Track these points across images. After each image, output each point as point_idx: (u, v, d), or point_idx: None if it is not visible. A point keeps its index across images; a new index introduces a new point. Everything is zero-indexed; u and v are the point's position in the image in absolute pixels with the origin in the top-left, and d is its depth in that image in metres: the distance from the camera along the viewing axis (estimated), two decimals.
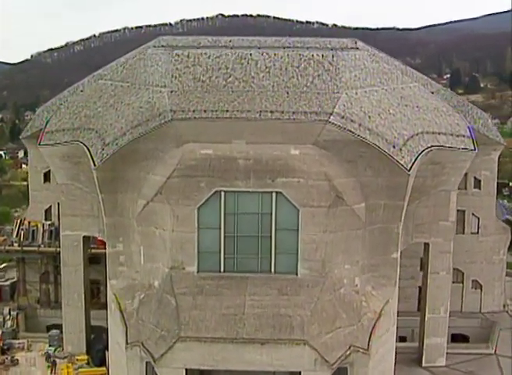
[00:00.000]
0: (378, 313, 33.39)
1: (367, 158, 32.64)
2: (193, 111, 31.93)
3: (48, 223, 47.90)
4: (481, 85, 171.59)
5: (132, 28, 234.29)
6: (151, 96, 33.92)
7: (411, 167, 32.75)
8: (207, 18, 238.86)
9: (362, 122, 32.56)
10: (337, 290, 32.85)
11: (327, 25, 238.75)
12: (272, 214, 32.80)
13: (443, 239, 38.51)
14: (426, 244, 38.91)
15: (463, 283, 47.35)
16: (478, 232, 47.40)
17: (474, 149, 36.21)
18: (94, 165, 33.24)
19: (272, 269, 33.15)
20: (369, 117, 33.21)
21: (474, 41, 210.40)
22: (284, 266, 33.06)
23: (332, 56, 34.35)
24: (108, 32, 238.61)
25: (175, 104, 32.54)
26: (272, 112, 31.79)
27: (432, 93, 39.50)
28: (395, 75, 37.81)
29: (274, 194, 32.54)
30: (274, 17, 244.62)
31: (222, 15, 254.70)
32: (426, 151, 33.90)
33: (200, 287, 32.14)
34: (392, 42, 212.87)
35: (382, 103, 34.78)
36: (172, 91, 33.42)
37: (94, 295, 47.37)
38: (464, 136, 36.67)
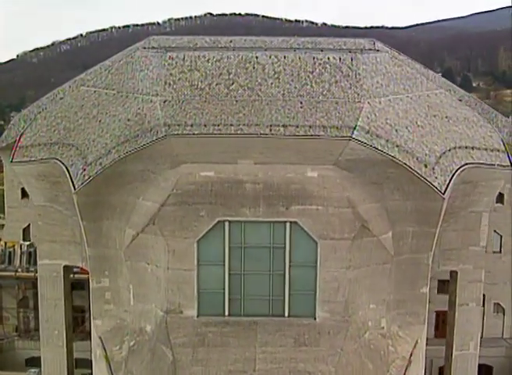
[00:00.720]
0: (408, 359, 28.26)
1: (395, 179, 27.41)
2: (191, 125, 26.53)
3: (27, 243, 42.47)
4: (474, 84, 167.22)
5: (119, 27, 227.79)
6: (141, 106, 28.50)
7: (446, 190, 27.60)
8: (195, 17, 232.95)
9: (389, 137, 27.33)
10: (362, 335, 27.63)
11: (316, 24, 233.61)
12: (285, 248, 27.46)
13: (473, 266, 33.36)
14: (453, 273, 33.76)
15: (484, 306, 42.45)
16: (500, 251, 42.80)
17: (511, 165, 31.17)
18: (74, 188, 27.77)
19: (286, 313, 27.80)
20: (396, 131, 27.99)
21: (464, 40, 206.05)
22: (300, 308, 27.76)
23: (351, 59, 29.12)
24: (95, 31, 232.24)
25: (169, 116, 27.13)
26: (284, 126, 26.44)
27: (460, 100, 34.35)
28: (419, 80, 32.60)
29: (288, 225, 27.21)
30: (262, 16, 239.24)
31: (211, 14, 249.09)
32: (460, 169, 28.77)
33: (202, 335, 26.73)
34: (382, 41, 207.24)
35: (408, 114, 29.58)
36: (165, 101, 28.02)
37: (79, 324, 42.04)
38: (498, 150, 31.52)
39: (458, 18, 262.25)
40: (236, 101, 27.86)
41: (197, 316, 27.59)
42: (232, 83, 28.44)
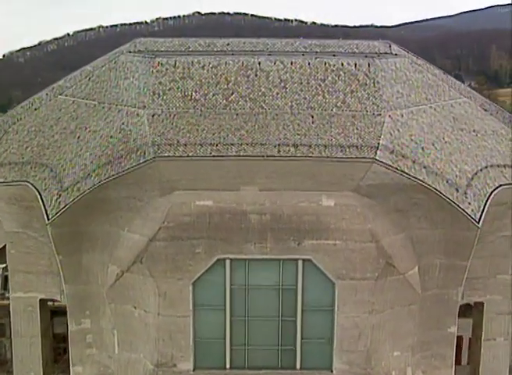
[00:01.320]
0: None
1: (422, 206, 23.23)
2: (184, 145, 22.19)
3: (2, 266, 37.82)
4: (465, 84, 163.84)
5: (107, 27, 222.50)
6: (125, 121, 24.16)
7: (481, 218, 23.52)
8: (183, 16, 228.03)
9: (416, 157, 23.15)
10: None
11: (306, 23, 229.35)
12: (297, 289, 23.12)
13: (502, 297, 29.24)
14: (479, 304, 29.63)
15: None
16: None
17: None
18: (48, 218, 23.40)
19: (298, 365, 23.46)
20: (422, 149, 23.82)
21: (454, 39, 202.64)
22: (314, 360, 23.43)
23: (368, 66, 24.94)
24: (83, 31, 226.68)
25: (158, 134, 22.79)
26: (295, 145, 22.13)
27: (485, 110, 30.26)
28: (441, 88, 28.47)
29: (300, 263, 22.86)
30: (251, 15, 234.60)
31: (199, 13, 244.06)
32: (494, 192, 24.71)
33: None
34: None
35: (434, 128, 25.44)
36: (153, 115, 23.70)
37: (60, 354, 37.59)
38: None
39: (447, 17, 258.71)
40: (237, 114, 23.58)
41: (194, 370, 23.18)
42: (232, 94, 24.19)
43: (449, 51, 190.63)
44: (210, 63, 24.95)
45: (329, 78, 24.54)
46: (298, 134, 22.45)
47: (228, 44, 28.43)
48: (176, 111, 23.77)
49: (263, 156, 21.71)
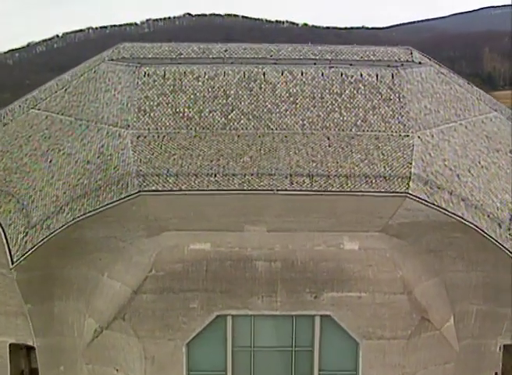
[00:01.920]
0: None
1: (460, 245, 19.21)
2: (176, 175, 18.06)
3: None
4: None
5: (96, 28, 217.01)
6: (105, 143, 20.06)
7: None
8: (174, 17, 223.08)
9: (452, 187, 19.12)
10: None
11: (297, 24, 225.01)
12: (313, 351, 18.94)
13: None
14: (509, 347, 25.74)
15: None
16: None
17: None
18: (12, 262, 19.21)
19: None
20: (458, 177, 19.83)
21: (446, 41, 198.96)
22: None
23: (392, 76, 21.00)
24: (72, 32, 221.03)
25: (144, 160, 18.67)
26: (310, 176, 18.03)
27: None
28: (470, 101, 24.58)
29: (318, 320, 18.69)
30: (242, 16, 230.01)
31: (190, 14, 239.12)
32: None
33: None
34: (365, 42, 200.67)
35: (468, 150, 21.49)
36: (138, 136, 19.63)
37: None
38: None
39: (438, 18, 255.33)
40: (239, 136, 19.54)
41: None
42: (232, 110, 20.19)
43: (442, 54, 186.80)
44: (206, 74, 20.94)
45: (347, 92, 20.59)
46: (313, 161, 18.39)
47: (226, 51, 24.42)
48: (166, 131, 19.71)
49: (272, 190, 17.61)
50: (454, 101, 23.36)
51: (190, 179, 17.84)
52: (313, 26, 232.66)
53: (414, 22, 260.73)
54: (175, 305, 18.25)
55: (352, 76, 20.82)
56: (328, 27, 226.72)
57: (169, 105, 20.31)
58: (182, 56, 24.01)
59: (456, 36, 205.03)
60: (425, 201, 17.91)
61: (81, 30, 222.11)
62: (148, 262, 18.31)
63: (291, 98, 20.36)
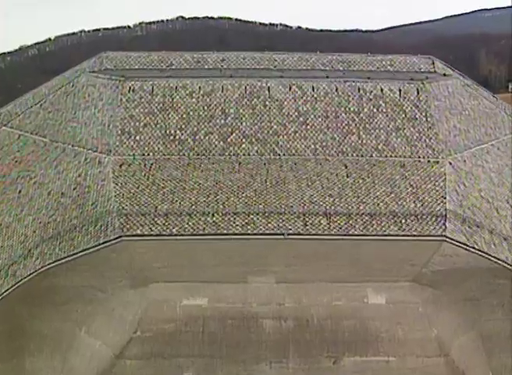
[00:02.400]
0: None
1: (502, 292, 16.10)
2: (166, 214, 14.85)
3: None
4: None
5: (88, 31, 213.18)
6: (83, 172, 16.86)
7: None
8: (167, 20, 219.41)
9: (492, 224, 15.96)
10: None
11: (291, 27, 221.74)
12: None
13: None
14: None
15: None
16: None
17: None
18: None
19: None
20: (497, 211, 16.70)
21: (442, 44, 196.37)
22: None
23: (418, 92, 17.90)
24: (64, 35, 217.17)
25: (127, 195, 15.47)
26: (327, 215, 14.82)
27: None
28: (500, 118, 21.44)
29: None
30: (236, 19, 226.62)
31: (183, 17, 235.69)
32: None
33: None
34: (359, 45, 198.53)
35: (503, 176, 18.37)
36: (121, 164, 16.46)
37: None
38: None
39: (433, 21, 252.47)
40: (240, 163, 16.40)
41: None
42: (232, 133, 17.05)
43: (438, 57, 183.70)
44: (201, 89, 17.83)
45: (366, 110, 17.50)
46: (330, 196, 15.24)
47: (223, 60, 21.24)
48: (154, 158, 16.56)
49: (282, 234, 14.44)
50: (484, 118, 20.28)
51: (183, 219, 14.65)
52: (307, 29, 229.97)
53: (409, 24, 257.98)
54: (165, 373, 15.05)
55: (371, 92, 17.73)
56: (322, 30, 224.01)
57: (158, 126, 17.18)
58: (173, 67, 20.84)
59: (450, 38, 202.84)
60: (465, 245, 14.78)
61: (73, 33, 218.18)
62: (133, 319, 15.11)
63: (301, 118, 17.25)
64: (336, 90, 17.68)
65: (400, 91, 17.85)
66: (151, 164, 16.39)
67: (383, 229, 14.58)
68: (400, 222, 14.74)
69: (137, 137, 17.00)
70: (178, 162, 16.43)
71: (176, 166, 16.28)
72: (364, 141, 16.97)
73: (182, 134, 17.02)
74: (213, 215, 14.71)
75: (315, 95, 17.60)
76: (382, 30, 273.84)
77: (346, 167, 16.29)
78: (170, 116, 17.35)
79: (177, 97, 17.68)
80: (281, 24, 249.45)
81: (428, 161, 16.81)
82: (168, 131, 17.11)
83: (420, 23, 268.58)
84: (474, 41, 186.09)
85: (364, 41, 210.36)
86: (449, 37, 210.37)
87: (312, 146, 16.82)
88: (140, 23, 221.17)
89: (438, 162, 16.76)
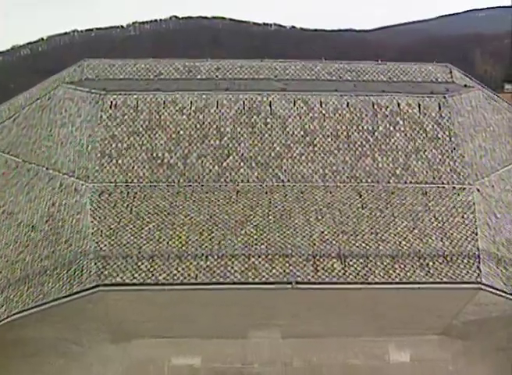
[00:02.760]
0: None
1: None
2: (151, 257, 12.50)
3: None
4: None
5: (81, 31, 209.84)
6: (57, 200, 14.48)
7: None
8: (160, 20, 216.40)
9: None
10: None
11: (285, 27, 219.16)
12: None
13: None
14: None
15: None
16: None
17: None
18: None
19: None
20: None
21: (436, 44, 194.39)
22: None
23: (439, 107, 15.61)
24: (57, 35, 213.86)
25: (107, 232, 13.07)
26: (341, 257, 12.49)
27: None
28: None
29: None
30: (230, 19, 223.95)
31: (176, 17, 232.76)
32: None
33: None
34: (354, 45, 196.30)
35: None
36: (101, 193, 14.09)
37: None
38: None
39: (427, 20, 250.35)
40: (238, 192, 14.07)
41: None
42: (229, 156, 14.72)
43: (433, 57, 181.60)
44: (192, 103, 15.51)
45: (381, 128, 15.21)
46: (344, 232, 12.91)
47: (218, 69, 18.91)
48: (138, 186, 14.21)
49: (289, 283, 12.11)
50: (509, 134, 18.01)
51: (171, 264, 12.29)
52: (301, 28, 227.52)
53: (402, 24, 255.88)
54: None
55: (387, 108, 15.44)
56: (316, 30, 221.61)
57: (143, 147, 14.85)
58: (162, 77, 18.50)
59: (444, 38, 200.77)
60: (504, 292, 12.48)
61: (66, 33, 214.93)
62: None
63: (307, 138, 14.96)
64: (347, 105, 15.39)
65: (419, 106, 15.57)
66: (135, 193, 14.04)
67: (407, 274, 12.26)
68: (427, 265, 12.43)
69: (119, 161, 14.65)
70: (166, 190, 14.09)
71: (163, 195, 13.93)
72: (379, 165, 14.68)
73: (171, 157, 14.68)
74: (207, 258, 12.35)
75: (323, 111, 15.29)
76: (375, 29, 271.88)
77: (360, 196, 13.99)
78: (157, 135, 15.02)
79: (165, 113, 15.34)
80: (275, 24, 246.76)
81: (454, 187, 14.54)
82: (154, 154, 14.77)
83: (413, 22, 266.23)
84: (468, 41, 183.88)
85: (357, 40, 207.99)
86: (442, 37, 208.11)
87: (321, 171, 14.51)
88: (133, 23, 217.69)
89: (464, 189, 14.48)
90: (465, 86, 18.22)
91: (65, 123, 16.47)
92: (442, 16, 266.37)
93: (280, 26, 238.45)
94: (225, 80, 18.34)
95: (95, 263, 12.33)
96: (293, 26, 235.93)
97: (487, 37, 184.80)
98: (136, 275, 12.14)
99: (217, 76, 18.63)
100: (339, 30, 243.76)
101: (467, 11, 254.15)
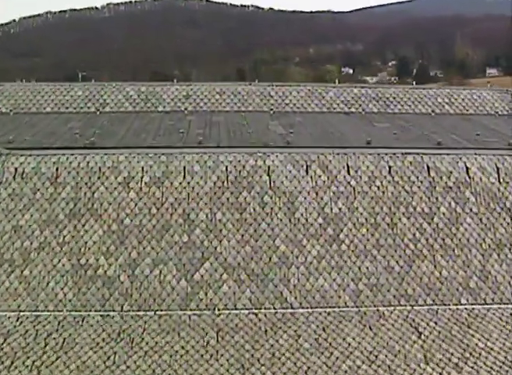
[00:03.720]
0: None
1: None
2: None
3: None
4: (431, 74, 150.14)
5: (55, 12, 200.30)
6: None
7: None
8: (135, 1, 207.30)
9: None
10: None
11: (263, 9, 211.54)
12: None
13: None
14: None
15: None
16: None
17: None
18: None
19: None
20: None
21: (416, 26, 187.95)
22: None
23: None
24: (29, 17, 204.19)
25: None
26: None
27: None
28: None
29: None
30: (207, 0, 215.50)
31: None
32: None
33: None
34: (331, 27, 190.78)
35: None
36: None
37: None
38: None
39: (405, 2, 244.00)
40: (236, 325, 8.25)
41: None
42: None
43: (412, 39, 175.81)
44: (145, 171, 9.60)
45: (443, 210, 9.44)
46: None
47: (187, 98, 12.96)
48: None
49: None
50: None
51: None
52: (279, 10, 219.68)
53: (381, 5, 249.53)
54: None
55: (450, 175, 9.63)
56: (294, 11, 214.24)
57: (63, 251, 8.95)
58: (106, 110, 12.55)
59: (424, 20, 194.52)
60: None
61: (39, 15, 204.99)
62: None
63: (329, 230, 9.13)
64: (390, 172, 9.55)
65: (497, 170, 9.79)
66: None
67: None
68: None
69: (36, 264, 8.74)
70: None
71: None
72: (443, 273, 8.91)
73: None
74: None
75: (352, 183, 9.44)
76: (353, 11, 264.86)
77: (419, 333, 8.23)
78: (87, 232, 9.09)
79: (101, 189, 9.38)
80: (252, 5, 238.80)
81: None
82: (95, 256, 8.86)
83: (392, 3, 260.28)
84: (449, 24, 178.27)
85: (336, 22, 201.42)
86: (422, 18, 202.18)
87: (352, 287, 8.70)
88: (107, 4, 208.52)
89: None
90: None
91: None
92: None
93: (258, 7, 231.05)
94: (198, 113, 12.47)
95: None
96: (271, 8, 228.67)
97: (467, 20, 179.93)
98: None
99: (186, 108, 12.71)
100: (317, 12, 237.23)
101: None
